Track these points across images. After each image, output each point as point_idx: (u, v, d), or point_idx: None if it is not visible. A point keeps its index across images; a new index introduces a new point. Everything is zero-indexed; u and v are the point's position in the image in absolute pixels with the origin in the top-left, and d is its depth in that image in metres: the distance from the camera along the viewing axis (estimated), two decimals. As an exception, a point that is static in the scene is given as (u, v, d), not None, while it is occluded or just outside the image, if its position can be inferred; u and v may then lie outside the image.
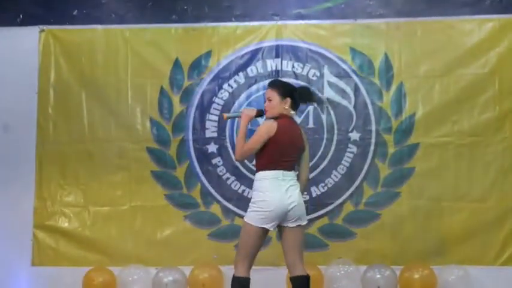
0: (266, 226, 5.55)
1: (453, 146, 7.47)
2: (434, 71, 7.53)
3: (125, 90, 7.74)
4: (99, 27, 7.85)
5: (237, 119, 5.92)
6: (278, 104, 5.74)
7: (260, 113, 5.83)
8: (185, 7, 7.83)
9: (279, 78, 6.90)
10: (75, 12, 7.88)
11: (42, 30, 7.82)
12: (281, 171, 5.61)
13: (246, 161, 7.50)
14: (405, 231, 7.40)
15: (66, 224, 7.68)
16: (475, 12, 7.57)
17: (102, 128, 7.74)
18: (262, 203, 5.56)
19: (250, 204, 5.63)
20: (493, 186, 7.41)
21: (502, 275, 7.25)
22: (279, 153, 5.63)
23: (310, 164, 7.41)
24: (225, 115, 6.04)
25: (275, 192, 5.56)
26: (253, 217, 5.57)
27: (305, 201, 7.28)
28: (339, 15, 7.71)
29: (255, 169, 5.69)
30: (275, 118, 5.70)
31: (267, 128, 5.64)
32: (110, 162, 7.70)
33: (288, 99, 5.75)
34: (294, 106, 5.80)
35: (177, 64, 7.72)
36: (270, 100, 5.78)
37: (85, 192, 7.70)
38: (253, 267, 5.59)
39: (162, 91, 7.70)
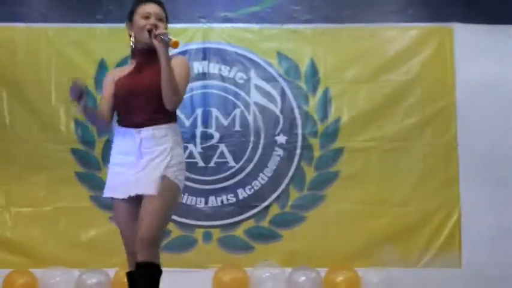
0: None
1: (377, 150, 7.57)
2: (359, 76, 7.64)
3: (48, 90, 7.58)
4: (20, 25, 7.67)
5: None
6: None
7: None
8: (110, 7, 7.73)
9: None
10: (-5, 9, 7.70)
11: (-39, 27, 7.62)
12: None
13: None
14: (330, 234, 7.45)
15: (-14, 226, 7.48)
16: (399, 20, 7.72)
17: (25, 128, 7.53)
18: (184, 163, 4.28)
19: (177, 161, 4.17)
20: (414, 190, 7.54)
21: (423, 276, 7.37)
22: None
23: (237, 166, 7.51)
24: (174, 41, 4.15)
25: None
26: (182, 181, 4.20)
27: (231, 204, 7.44)
28: (265, 19, 7.74)
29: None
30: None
31: (189, 66, 4.40)
32: (32, 162, 7.50)
33: None
34: None
35: (102, 64, 7.61)
36: (162, 21, 4.31)
37: (6, 192, 7.48)
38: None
39: (87, 92, 7.56)
